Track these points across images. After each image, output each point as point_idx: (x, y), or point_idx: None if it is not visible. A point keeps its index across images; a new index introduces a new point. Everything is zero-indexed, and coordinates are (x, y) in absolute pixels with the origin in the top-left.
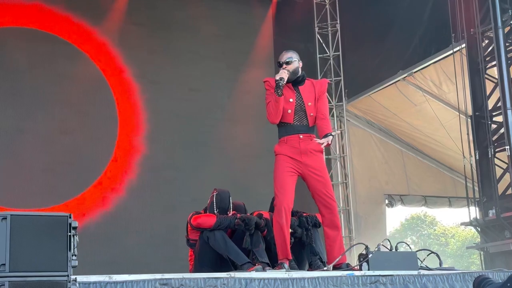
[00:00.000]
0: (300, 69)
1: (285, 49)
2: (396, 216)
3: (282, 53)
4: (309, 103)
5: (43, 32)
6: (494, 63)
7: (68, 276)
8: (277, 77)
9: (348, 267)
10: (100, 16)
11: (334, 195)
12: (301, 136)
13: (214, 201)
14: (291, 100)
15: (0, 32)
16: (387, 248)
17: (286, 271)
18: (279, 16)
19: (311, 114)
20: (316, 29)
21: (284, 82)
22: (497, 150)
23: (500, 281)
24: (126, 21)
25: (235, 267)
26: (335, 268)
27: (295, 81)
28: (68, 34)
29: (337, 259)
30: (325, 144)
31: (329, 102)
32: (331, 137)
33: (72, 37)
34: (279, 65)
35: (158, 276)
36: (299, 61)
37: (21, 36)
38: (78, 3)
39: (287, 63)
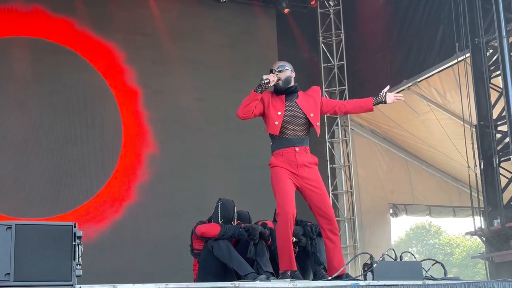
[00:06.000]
0: (292, 80)
1: (290, 59)
2: (400, 226)
3: (275, 62)
4: (311, 114)
5: (48, 42)
6: (498, 72)
7: (72, 285)
8: (264, 77)
9: (347, 277)
10: (105, 26)
11: (331, 206)
12: (297, 149)
13: (219, 211)
14: (279, 113)
15: (5, 42)
16: (392, 258)
17: (290, 281)
18: (284, 25)
19: (317, 124)
20: (321, 38)
21: (269, 84)
22: (502, 159)
23: None
24: (131, 31)
25: (239, 277)
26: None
27: (288, 93)
28: (73, 44)
29: (340, 271)
30: (397, 97)
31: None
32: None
33: (77, 47)
34: (271, 72)
35: (162, 285)
36: (292, 71)
37: (26, 46)
38: (84, 12)
39: (280, 71)
